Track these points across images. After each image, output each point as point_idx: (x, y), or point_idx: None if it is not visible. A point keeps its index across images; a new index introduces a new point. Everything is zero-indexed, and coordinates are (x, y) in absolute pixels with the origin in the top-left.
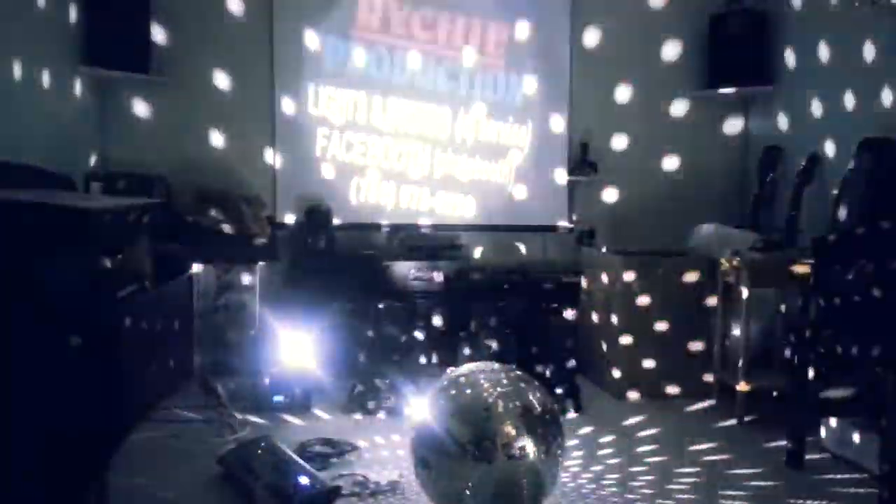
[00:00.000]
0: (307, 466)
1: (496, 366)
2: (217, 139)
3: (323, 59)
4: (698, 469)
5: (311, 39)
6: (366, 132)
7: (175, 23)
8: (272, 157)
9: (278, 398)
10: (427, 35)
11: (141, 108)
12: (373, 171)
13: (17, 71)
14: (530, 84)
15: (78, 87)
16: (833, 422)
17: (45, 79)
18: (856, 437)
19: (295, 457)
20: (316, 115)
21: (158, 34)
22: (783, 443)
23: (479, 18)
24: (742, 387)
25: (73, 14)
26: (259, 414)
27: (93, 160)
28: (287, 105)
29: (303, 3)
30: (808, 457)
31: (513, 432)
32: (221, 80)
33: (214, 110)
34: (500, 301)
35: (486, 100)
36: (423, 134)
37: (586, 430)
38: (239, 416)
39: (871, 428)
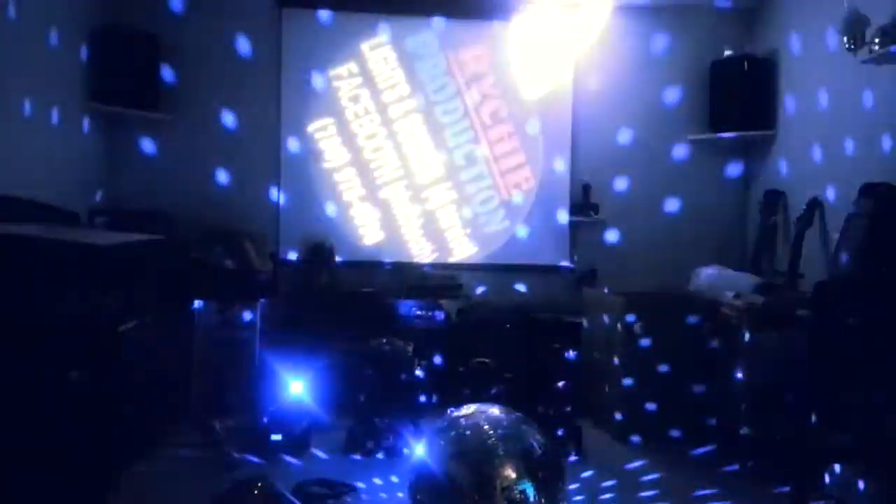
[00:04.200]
0: None
1: (497, 407)
2: (222, 176)
3: (334, 98)
4: None
5: (319, 79)
6: (372, 171)
7: (183, 62)
8: (277, 195)
9: (276, 437)
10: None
11: (148, 145)
12: (376, 210)
13: (26, 107)
14: (533, 126)
15: (86, 124)
16: (837, 468)
17: (54, 115)
18: (860, 484)
19: (292, 497)
20: (322, 154)
21: (167, 73)
22: (786, 489)
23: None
24: (745, 431)
25: (83, 52)
26: (256, 453)
27: (98, 196)
28: (293, 143)
29: (311, 45)
30: (811, 503)
31: (513, 475)
32: (228, 118)
33: (220, 148)
34: (501, 341)
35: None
36: (425, 176)
37: (587, 473)
38: (236, 454)
39: (874, 474)
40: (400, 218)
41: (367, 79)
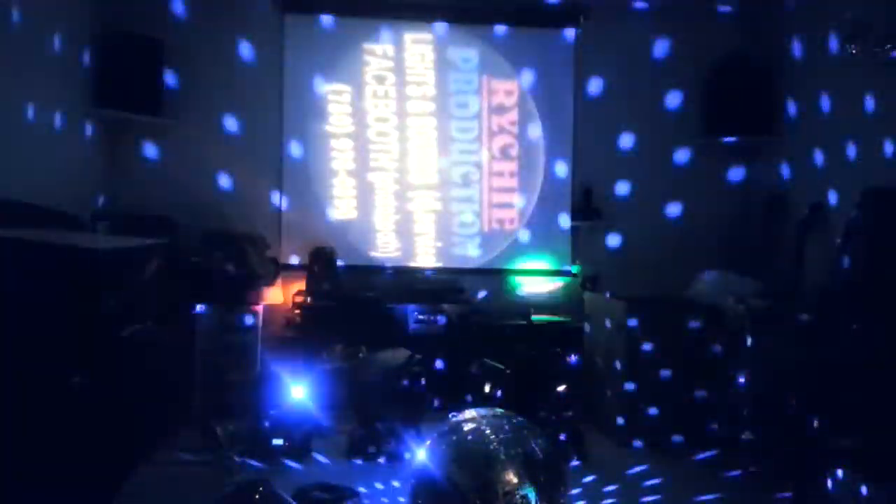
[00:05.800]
0: None
1: (498, 411)
2: (224, 181)
3: (336, 103)
4: None
5: (321, 84)
6: (369, 152)
7: (186, 67)
8: (279, 200)
9: (277, 441)
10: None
11: (150, 150)
12: (358, 189)
13: (29, 111)
14: (535, 131)
15: (88, 129)
16: (839, 473)
17: (57, 120)
18: (862, 489)
19: (293, 502)
20: (324, 159)
21: (169, 77)
22: (788, 494)
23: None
24: (746, 436)
25: (86, 56)
26: (258, 457)
27: (101, 200)
28: (295, 148)
29: (313, 50)
30: None
31: (515, 480)
32: (230, 123)
33: (222, 153)
34: (502, 345)
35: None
36: (418, 178)
37: (589, 478)
38: (237, 459)
39: (876, 479)
40: (378, 206)
41: (399, 66)
